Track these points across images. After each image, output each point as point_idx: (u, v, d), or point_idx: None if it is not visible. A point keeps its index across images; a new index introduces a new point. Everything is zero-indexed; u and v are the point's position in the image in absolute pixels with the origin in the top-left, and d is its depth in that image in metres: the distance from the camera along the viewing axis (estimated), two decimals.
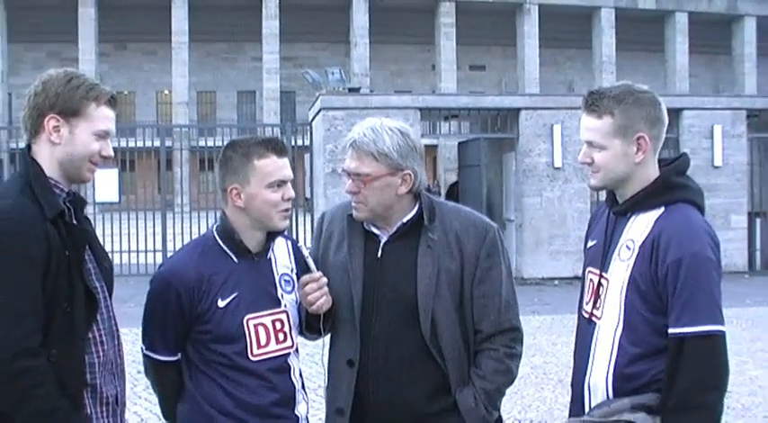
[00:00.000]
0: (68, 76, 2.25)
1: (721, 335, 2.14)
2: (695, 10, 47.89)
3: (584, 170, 14.60)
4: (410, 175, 2.44)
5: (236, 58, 50.37)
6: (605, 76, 44.16)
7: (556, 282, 13.74)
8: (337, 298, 2.48)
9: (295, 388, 2.51)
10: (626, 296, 2.24)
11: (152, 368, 2.54)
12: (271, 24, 45.62)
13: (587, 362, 2.33)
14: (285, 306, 2.52)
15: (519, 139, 14.28)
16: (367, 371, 2.44)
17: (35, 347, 2.09)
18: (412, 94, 18.83)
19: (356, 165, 2.43)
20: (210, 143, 19.17)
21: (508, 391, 2.56)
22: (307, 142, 16.41)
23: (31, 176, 2.20)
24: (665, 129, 2.35)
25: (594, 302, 2.34)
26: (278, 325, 2.49)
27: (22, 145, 2.30)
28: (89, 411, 2.24)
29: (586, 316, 2.39)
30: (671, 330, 2.15)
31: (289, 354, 2.51)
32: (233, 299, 2.43)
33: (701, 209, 2.29)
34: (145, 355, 2.54)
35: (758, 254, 15.56)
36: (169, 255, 2.80)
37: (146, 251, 15.30)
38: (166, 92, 47.81)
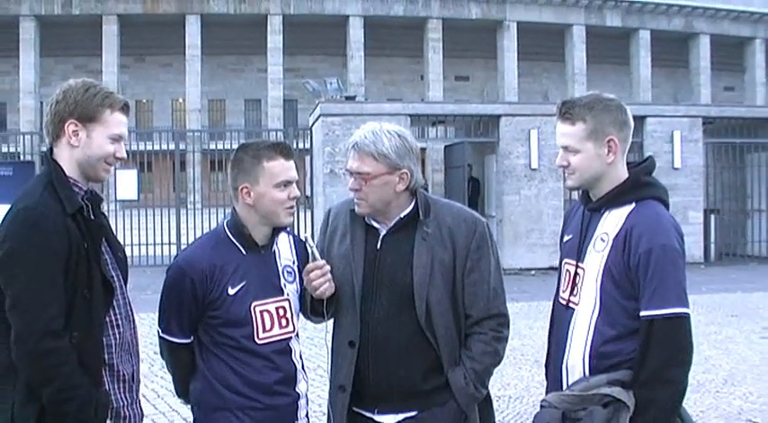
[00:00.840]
0: (86, 85, 2.25)
1: (687, 317, 2.16)
2: (656, 28, 48.10)
3: (558, 171, 14.65)
4: (407, 173, 2.43)
5: (243, 69, 50.25)
6: (577, 86, 44.25)
7: (533, 272, 13.75)
8: (340, 285, 2.47)
9: (296, 368, 2.51)
10: (601, 283, 2.24)
11: (167, 349, 2.53)
12: (275, 39, 45.59)
13: (565, 345, 2.32)
14: (288, 295, 2.52)
15: (499, 142, 14.27)
16: (367, 351, 2.43)
17: (59, 331, 2.09)
18: (403, 101, 18.83)
19: (358, 164, 2.42)
20: (220, 146, 19.13)
21: None
22: (307, 145, 16.36)
23: (53, 176, 2.21)
24: (632, 132, 2.36)
25: (572, 290, 2.34)
26: (281, 311, 2.49)
27: None
28: (107, 388, 2.25)
29: (564, 302, 2.38)
30: (642, 313, 2.16)
31: (291, 337, 2.51)
32: (241, 287, 2.43)
33: (666, 205, 2.31)
34: (161, 338, 2.53)
35: (713, 246, 15.62)
36: (183, 247, 2.79)
37: (161, 244, 15.28)
38: (181, 100, 47.69)
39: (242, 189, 2.44)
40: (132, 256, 14.80)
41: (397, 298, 2.42)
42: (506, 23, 46.52)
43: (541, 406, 2.27)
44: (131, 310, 2.38)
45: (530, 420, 2.33)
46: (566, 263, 2.42)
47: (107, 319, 2.26)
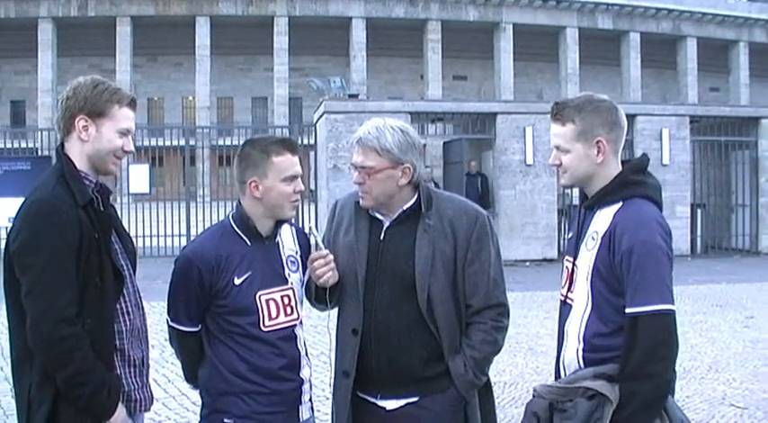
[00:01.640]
0: (95, 82, 2.25)
1: (670, 313, 2.11)
2: (646, 31, 47.99)
3: (552, 168, 14.54)
4: (409, 168, 2.41)
5: (250, 68, 50.15)
6: (570, 85, 44.18)
7: (527, 263, 13.75)
8: (344, 274, 2.44)
9: (300, 354, 2.50)
10: (592, 281, 2.21)
11: (176, 338, 2.52)
12: (281, 40, 45.48)
13: (562, 339, 2.31)
14: (291, 284, 2.51)
15: (496, 139, 14.23)
16: (370, 338, 2.41)
17: (73, 317, 2.09)
18: (403, 100, 18.76)
19: (362, 159, 2.40)
20: (228, 142, 19.14)
21: None
22: (312, 141, 16.33)
23: (65, 170, 2.20)
24: (624, 132, 2.31)
25: (569, 287, 2.32)
26: (285, 300, 2.47)
27: None
28: (119, 372, 2.24)
29: (563, 299, 2.36)
30: (627, 310, 2.12)
31: (295, 325, 2.50)
32: (247, 277, 2.42)
33: (656, 202, 2.25)
34: (170, 327, 2.51)
35: (699, 240, 15.60)
36: (192, 239, 2.78)
37: (172, 235, 15.25)
38: (191, 98, 47.61)
39: (250, 183, 2.42)
40: (144, 247, 14.81)
41: (400, 288, 2.40)
42: (502, 25, 46.40)
43: (532, 396, 2.26)
44: (140, 298, 2.37)
45: (524, 405, 2.31)
46: (566, 259, 2.39)
47: (118, 306, 2.25)
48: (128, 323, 2.28)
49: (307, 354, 2.55)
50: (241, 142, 2.57)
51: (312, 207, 15.19)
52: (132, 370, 2.29)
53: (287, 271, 2.51)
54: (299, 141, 15.50)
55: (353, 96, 17.06)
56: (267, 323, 2.42)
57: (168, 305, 2.49)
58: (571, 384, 2.16)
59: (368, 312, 2.42)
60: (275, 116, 44.89)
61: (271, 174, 2.40)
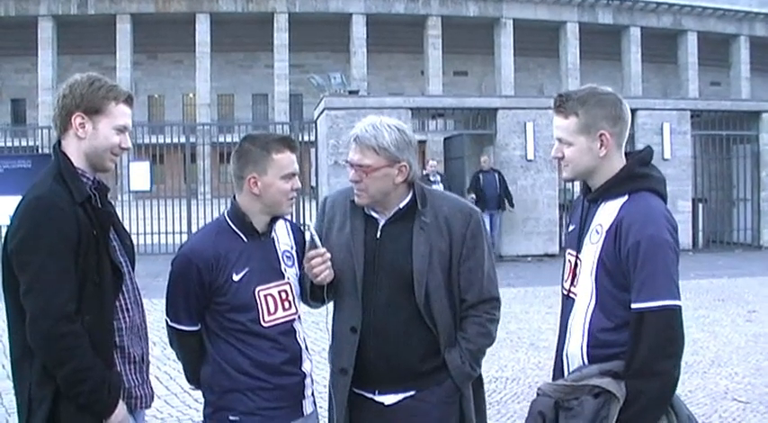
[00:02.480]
0: (91, 79, 2.24)
1: (677, 309, 2.08)
2: (646, 25, 47.89)
3: (552, 162, 14.60)
4: (405, 166, 2.41)
5: (251, 65, 50.08)
6: (571, 80, 44.09)
7: (529, 258, 13.74)
8: (341, 273, 2.44)
9: (301, 348, 2.50)
10: (596, 275, 2.18)
11: (177, 338, 2.51)
12: (281, 36, 45.43)
13: (565, 333, 2.29)
14: (288, 278, 2.51)
15: (496, 134, 14.22)
16: (368, 335, 2.42)
17: (72, 314, 2.09)
18: (404, 95, 18.73)
19: (359, 157, 2.40)
20: (229, 139, 19.13)
21: (487, 352, 2.55)
22: (312, 138, 16.31)
23: (62, 167, 2.20)
24: (628, 125, 2.28)
25: (572, 281, 2.29)
26: (283, 294, 2.48)
27: None
28: (119, 369, 2.24)
29: (565, 293, 2.34)
30: (632, 305, 2.09)
31: (294, 319, 2.50)
32: (245, 273, 2.42)
33: (662, 196, 2.23)
34: (170, 327, 2.50)
35: (700, 234, 15.60)
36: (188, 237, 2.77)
37: (173, 233, 15.23)
38: (191, 95, 47.58)
39: (249, 179, 2.42)
40: (145, 244, 14.81)
41: (398, 285, 2.41)
42: (503, 21, 46.33)
43: (537, 394, 2.25)
44: (140, 295, 2.37)
45: (526, 400, 2.29)
46: (568, 253, 2.36)
47: (117, 303, 2.24)
48: (127, 320, 2.28)
49: (307, 348, 2.55)
50: (240, 140, 2.56)
51: (313, 203, 15.17)
52: (132, 367, 2.29)
53: (283, 266, 2.51)
54: (300, 138, 15.50)
55: (354, 93, 17.05)
56: (267, 319, 2.42)
57: (167, 305, 2.48)
58: (577, 382, 2.14)
59: (366, 310, 2.42)
60: (276, 113, 44.84)
61: (270, 171, 2.40)
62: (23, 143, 18.51)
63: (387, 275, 2.42)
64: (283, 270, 2.50)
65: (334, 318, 2.54)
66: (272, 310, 2.44)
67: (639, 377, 2.06)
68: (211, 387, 2.47)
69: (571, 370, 2.24)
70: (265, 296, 2.43)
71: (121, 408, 2.19)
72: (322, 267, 2.40)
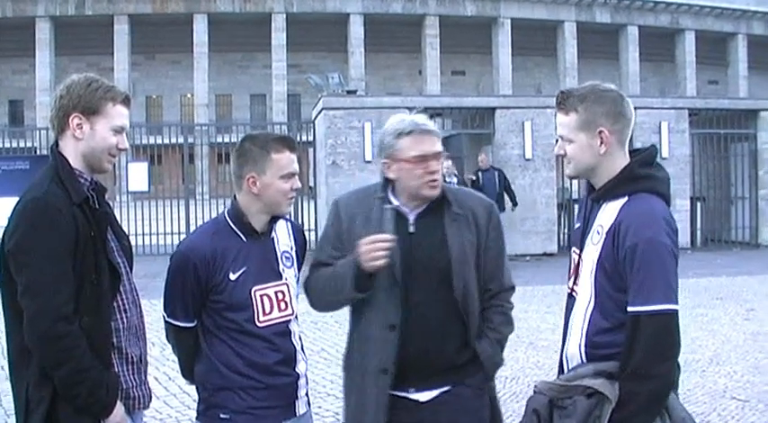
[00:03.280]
0: (88, 80, 2.23)
1: (673, 313, 2.05)
2: (644, 24, 48.00)
3: (550, 161, 14.61)
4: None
5: (249, 65, 50.09)
6: (568, 80, 44.13)
7: (527, 258, 13.75)
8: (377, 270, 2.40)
9: (295, 349, 2.49)
10: (595, 276, 2.17)
11: (173, 333, 2.52)
12: (279, 36, 45.48)
13: (566, 332, 2.28)
14: (286, 279, 2.50)
15: (495, 134, 14.23)
16: (408, 332, 2.41)
17: (69, 315, 2.08)
18: (402, 95, 18.76)
19: (439, 146, 2.46)
20: (227, 140, 19.13)
21: None
22: (310, 138, 16.31)
23: (59, 168, 2.19)
24: (631, 123, 2.25)
25: (575, 279, 2.28)
26: (280, 295, 2.47)
27: None
28: (117, 370, 2.23)
29: (569, 291, 2.33)
30: (629, 308, 2.08)
31: (290, 320, 2.49)
32: (242, 272, 2.41)
33: (664, 197, 2.21)
34: (166, 322, 2.51)
35: (699, 233, 15.62)
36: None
37: (171, 233, 15.19)
38: (189, 95, 47.61)
39: (249, 179, 2.42)
40: (143, 245, 14.79)
41: (436, 279, 2.42)
42: (500, 20, 46.38)
43: (534, 392, 2.24)
44: (138, 296, 2.36)
45: (525, 399, 2.29)
46: (573, 251, 2.35)
47: (115, 304, 2.24)
48: (125, 320, 2.27)
49: (302, 349, 2.55)
50: (240, 139, 2.56)
51: (311, 203, 15.17)
52: (130, 367, 2.28)
53: (281, 266, 2.50)
54: (298, 138, 15.49)
55: (352, 92, 17.03)
56: (262, 319, 2.42)
57: (165, 301, 2.49)
58: (571, 382, 2.13)
59: (405, 306, 2.41)
60: (274, 113, 44.88)
61: (269, 170, 2.40)
62: (21, 144, 18.46)
63: (423, 271, 2.42)
64: (281, 271, 2.49)
65: (359, 318, 2.50)
66: (267, 310, 2.43)
67: (633, 379, 2.04)
68: (204, 384, 2.47)
69: (569, 369, 2.24)
70: (261, 296, 2.43)
71: (119, 409, 2.18)
72: (384, 253, 2.32)
